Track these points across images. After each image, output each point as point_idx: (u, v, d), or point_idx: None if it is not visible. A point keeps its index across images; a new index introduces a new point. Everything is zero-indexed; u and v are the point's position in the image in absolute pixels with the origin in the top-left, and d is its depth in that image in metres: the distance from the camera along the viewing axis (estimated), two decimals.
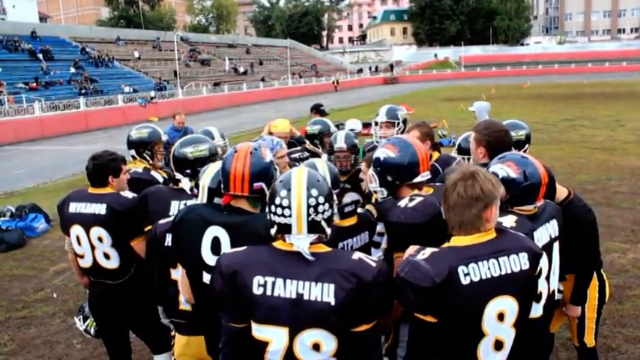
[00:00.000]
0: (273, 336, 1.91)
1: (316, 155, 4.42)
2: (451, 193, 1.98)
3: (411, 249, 2.04)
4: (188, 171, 2.98)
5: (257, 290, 1.89)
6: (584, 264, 3.13)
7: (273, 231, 1.98)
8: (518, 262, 1.97)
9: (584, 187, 9.46)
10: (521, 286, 1.98)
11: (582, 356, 3.42)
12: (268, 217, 1.99)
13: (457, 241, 1.99)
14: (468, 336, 1.95)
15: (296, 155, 4.48)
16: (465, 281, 1.87)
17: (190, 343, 2.69)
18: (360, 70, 69.59)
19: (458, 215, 1.98)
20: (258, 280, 1.90)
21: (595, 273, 3.23)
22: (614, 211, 8.04)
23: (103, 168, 3.32)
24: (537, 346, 2.52)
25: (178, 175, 3.03)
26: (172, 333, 2.89)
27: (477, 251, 1.94)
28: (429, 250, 1.95)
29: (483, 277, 1.90)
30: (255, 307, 1.90)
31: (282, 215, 1.92)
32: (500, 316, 1.95)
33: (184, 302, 2.62)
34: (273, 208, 1.95)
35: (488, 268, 1.92)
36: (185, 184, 2.99)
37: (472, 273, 1.89)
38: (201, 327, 2.51)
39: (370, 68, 75.12)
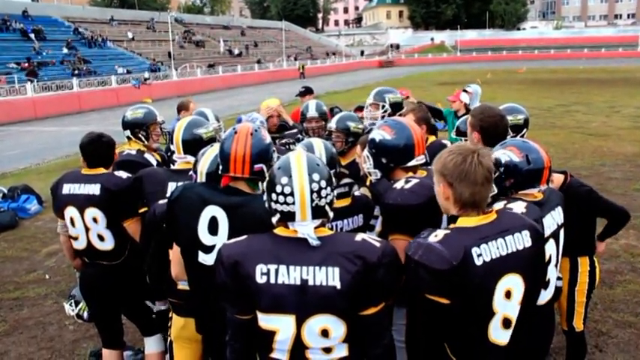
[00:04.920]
0: (279, 325, 1.87)
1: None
2: (477, 169, 1.92)
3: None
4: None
5: (260, 279, 1.84)
6: (616, 217, 3.36)
7: (274, 219, 1.92)
8: (522, 240, 1.99)
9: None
10: (526, 263, 2.00)
11: (571, 340, 3.47)
12: (267, 205, 1.94)
13: (465, 222, 1.97)
14: (480, 316, 1.95)
15: (284, 141, 4.46)
16: (478, 262, 1.87)
17: (187, 324, 2.68)
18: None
19: (486, 191, 1.97)
20: (260, 268, 1.85)
21: (587, 258, 3.30)
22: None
23: (112, 149, 3.36)
24: (545, 332, 2.54)
25: (189, 158, 2.98)
26: (170, 315, 2.89)
27: (485, 232, 1.94)
28: (440, 232, 1.93)
29: (494, 257, 1.91)
30: (260, 296, 1.85)
31: (285, 203, 1.86)
32: (508, 294, 1.96)
33: (183, 282, 2.61)
34: (273, 196, 1.89)
35: (497, 248, 1.93)
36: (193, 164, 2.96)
37: (484, 253, 1.89)
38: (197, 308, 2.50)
39: (362, 53, 74.29)
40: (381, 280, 1.85)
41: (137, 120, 3.87)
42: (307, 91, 7.01)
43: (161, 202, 2.69)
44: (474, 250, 1.88)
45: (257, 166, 2.23)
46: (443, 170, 2.00)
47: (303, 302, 1.84)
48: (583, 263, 3.29)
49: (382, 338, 1.93)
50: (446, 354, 2.01)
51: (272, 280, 1.84)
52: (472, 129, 3.01)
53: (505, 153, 2.45)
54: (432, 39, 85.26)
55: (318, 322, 1.85)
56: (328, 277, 1.82)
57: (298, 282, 1.83)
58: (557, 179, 3.07)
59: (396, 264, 1.94)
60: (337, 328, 1.87)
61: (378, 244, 1.90)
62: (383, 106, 4.26)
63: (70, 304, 3.59)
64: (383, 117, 4.18)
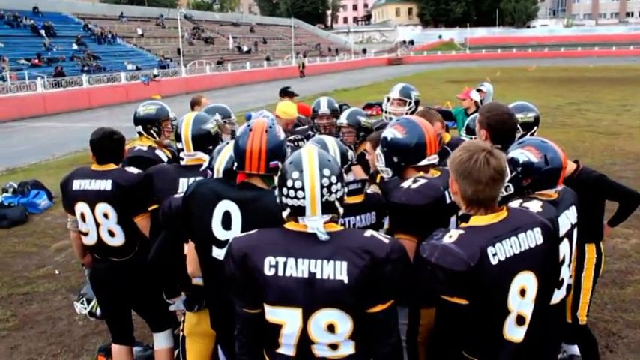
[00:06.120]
0: (286, 318, 1.88)
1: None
2: (483, 168, 1.93)
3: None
4: (210, 147, 2.96)
5: (268, 271, 1.85)
6: (628, 199, 3.35)
7: (285, 214, 1.94)
8: (534, 238, 2.00)
9: None
10: (538, 260, 2.01)
11: (574, 333, 3.40)
12: (278, 200, 1.95)
13: (478, 220, 1.98)
14: (496, 314, 1.96)
15: (291, 137, 4.46)
16: (494, 261, 1.89)
17: (201, 320, 2.70)
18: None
19: (492, 191, 1.97)
20: (269, 260, 1.86)
21: (594, 245, 3.31)
22: None
23: (122, 145, 3.35)
24: (557, 329, 2.54)
25: (199, 155, 3.00)
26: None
27: (498, 230, 1.95)
28: (454, 233, 1.93)
29: (508, 255, 1.92)
30: (267, 288, 1.87)
31: (295, 198, 1.88)
32: (522, 292, 1.97)
33: (197, 278, 2.62)
34: (284, 190, 1.90)
35: (511, 246, 1.94)
36: (207, 161, 2.96)
37: (499, 252, 1.91)
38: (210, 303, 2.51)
39: (364, 51, 74.04)
40: (388, 277, 1.86)
41: (149, 116, 3.88)
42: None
43: (176, 196, 2.68)
44: (490, 250, 1.88)
45: (272, 163, 2.24)
46: (451, 165, 2.03)
47: (310, 295, 1.85)
48: (590, 250, 3.30)
49: (390, 337, 1.93)
50: (460, 352, 2.01)
51: (280, 273, 1.85)
52: (480, 126, 3.01)
53: (523, 153, 2.44)
54: (441, 36, 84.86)
55: (324, 316, 1.86)
56: (336, 270, 1.83)
57: (306, 275, 1.84)
58: (570, 167, 3.09)
59: (405, 261, 1.94)
60: (343, 323, 1.87)
61: (387, 241, 1.90)
62: (409, 102, 4.24)
63: (82, 303, 3.60)
64: (406, 113, 4.16)
